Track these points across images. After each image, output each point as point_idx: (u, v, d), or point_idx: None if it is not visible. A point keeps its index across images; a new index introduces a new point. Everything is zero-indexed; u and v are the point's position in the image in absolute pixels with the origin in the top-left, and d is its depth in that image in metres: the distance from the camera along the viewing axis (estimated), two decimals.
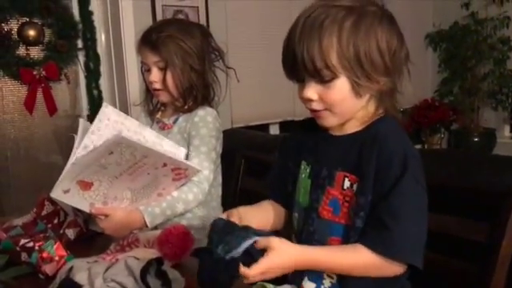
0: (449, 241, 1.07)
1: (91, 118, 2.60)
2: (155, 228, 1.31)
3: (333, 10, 0.87)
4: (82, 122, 1.26)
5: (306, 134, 1.03)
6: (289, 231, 1.06)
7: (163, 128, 1.48)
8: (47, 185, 1.87)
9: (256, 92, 2.89)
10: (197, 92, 1.44)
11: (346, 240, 0.90)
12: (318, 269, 0.91)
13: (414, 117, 3.68)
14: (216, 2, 2.78)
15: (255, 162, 1.67)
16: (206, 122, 1.41)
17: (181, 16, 2.67)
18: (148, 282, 0.95)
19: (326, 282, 0.95)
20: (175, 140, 1.39)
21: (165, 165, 1.24)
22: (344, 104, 0.89)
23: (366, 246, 0.85)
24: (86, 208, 1.24)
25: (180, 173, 1.31)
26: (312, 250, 0.89)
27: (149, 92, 1.52)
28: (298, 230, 1.01)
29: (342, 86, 0.87)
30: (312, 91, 0.89)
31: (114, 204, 1.26)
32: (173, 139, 1.39)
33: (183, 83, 1.41)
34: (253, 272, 0.82)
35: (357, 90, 0.87)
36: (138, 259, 1.02)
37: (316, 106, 0.90)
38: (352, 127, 0.94)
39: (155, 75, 1.41)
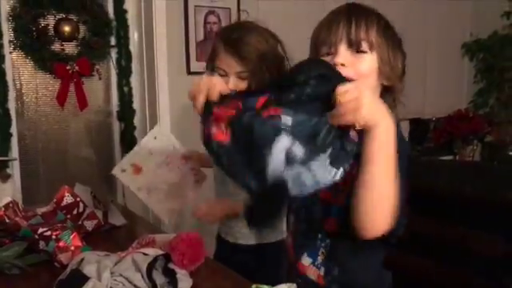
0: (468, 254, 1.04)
1: (120, 114, 2.66)
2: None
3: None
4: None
5: None
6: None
7: None
8: (76, 177, 1.92)
9: None
10: None
11: (343, 220, 0.90)
12: None
13: (446, 127, 3.59)
14: (248, 4, 2.78)
15: None
16: None
17: (213, 17, 2.69)
18: (154, 279, 0.95)
19: (320, 258, 1.01)
20: None
21: (185, 160, 1.50)
22: (369, 80, 0.95)
23: None
24: (134, 189, 1.47)
25: (196, 173, 1.53)
26: None
27: None
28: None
29: (371, 61, 0.96)
30: (343, 58, 0.95)
31: (155, 193, 1.46)
32: None
33: None
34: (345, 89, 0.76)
35: (382, 70, 0.96)
36: (146, 255, 1.03)
37: (348, 72, 0.92)
38: None
39: (234, 84, 1.34)
